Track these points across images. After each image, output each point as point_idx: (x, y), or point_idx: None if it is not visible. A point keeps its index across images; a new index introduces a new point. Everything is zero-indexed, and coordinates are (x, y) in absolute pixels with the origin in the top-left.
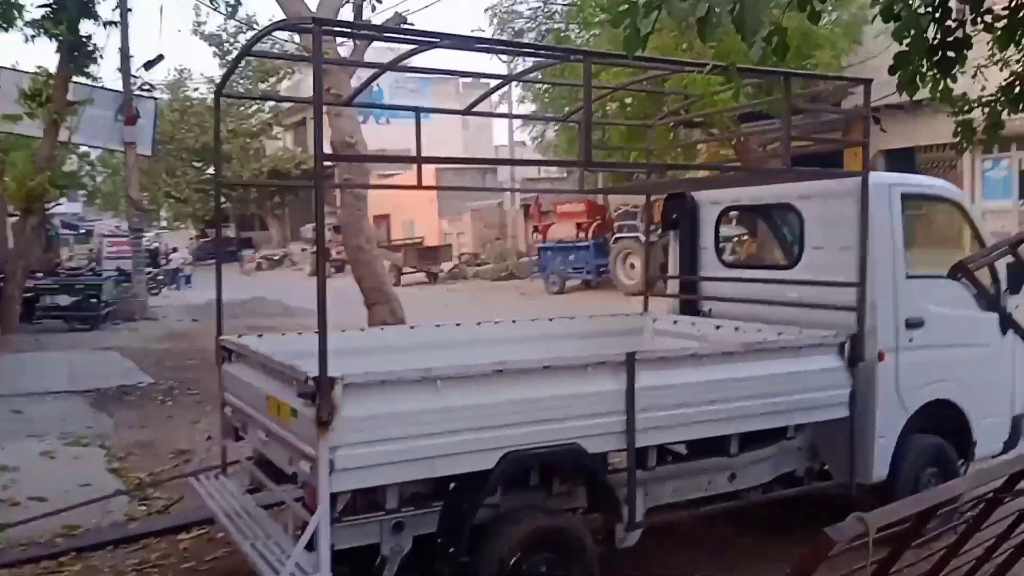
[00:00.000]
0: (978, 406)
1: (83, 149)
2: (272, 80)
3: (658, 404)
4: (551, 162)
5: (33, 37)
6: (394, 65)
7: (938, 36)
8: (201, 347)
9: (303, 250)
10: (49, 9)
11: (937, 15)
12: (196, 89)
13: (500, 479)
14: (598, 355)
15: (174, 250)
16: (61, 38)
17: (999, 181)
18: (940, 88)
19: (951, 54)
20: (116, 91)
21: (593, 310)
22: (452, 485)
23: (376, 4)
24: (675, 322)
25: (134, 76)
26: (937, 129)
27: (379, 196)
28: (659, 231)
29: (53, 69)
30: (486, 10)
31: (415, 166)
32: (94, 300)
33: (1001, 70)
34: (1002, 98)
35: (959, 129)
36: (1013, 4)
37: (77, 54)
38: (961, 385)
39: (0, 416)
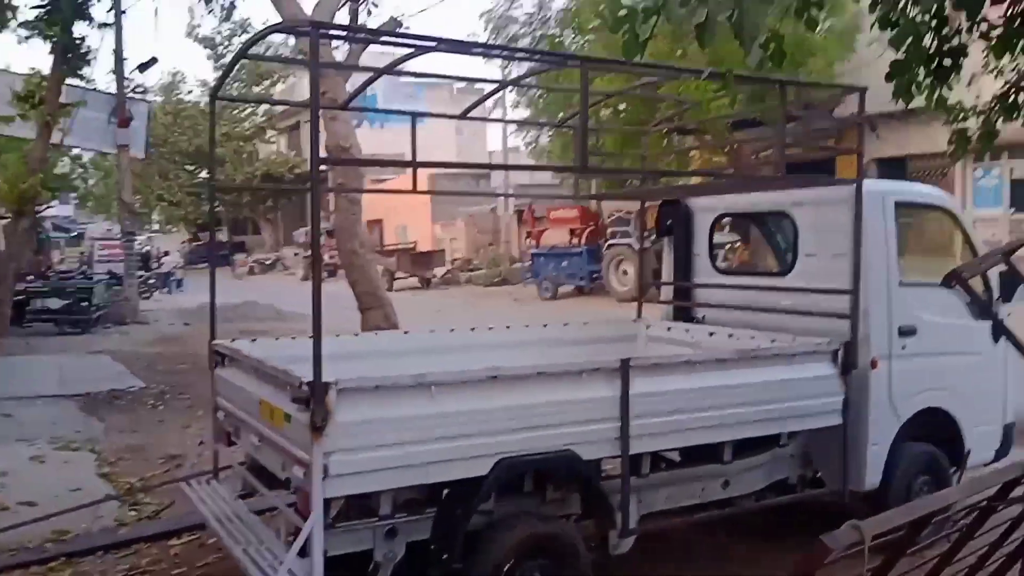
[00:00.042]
0: (970, 414)
1: (75, 151)
2: (266, 83)
3: (652, 411)
4: (547, 167)
5: (27, 38)
6: (391, 69)
7: (935, 44)
8: (193, 351)
9: (296, 254)
10: (43, 10)
11: (934, 24)
12: (190, 92)
13: (494, 485)
14: (593, 361)
15: (166, 254)
16: (55, 40)
17: (990, 189)
18: (936, 96)
19: (947, 62)
20: (110, 93)
21: (586, 316)
22: (446, 491)
23: (372, 8)
24: (669, 328)
25: (127, 78)
26: (930, 137)
27: (372, 201)
28: (653, 237)
29: (46, 71)
30: (481, 15)
31: (409, 171)
32: (85, 303)
33: (995, 79)
34: (997, 107)
35: (954, 137)
36: (1009, 13)
37: (71, 56)
38: (953, 393)
39: None
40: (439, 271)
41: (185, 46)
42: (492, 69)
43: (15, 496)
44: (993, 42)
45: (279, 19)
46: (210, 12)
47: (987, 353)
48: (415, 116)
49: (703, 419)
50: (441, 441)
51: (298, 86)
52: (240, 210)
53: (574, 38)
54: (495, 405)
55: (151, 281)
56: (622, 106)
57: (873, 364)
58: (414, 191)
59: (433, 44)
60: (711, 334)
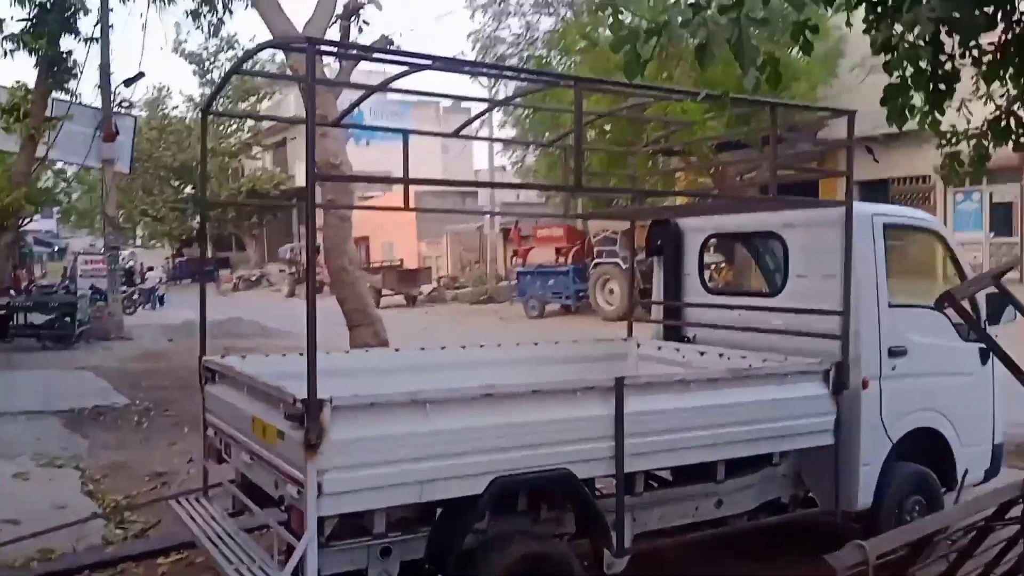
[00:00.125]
0: (960, 434)
1: (59, 165)
2: (252, 99)
3: (647, 429)
4: (540, 186)
5: (12, 51)
6: (384, 86)
7: (929, 69)
8: (177, 367)
9: (281, 271)
10: (29, 24)
11: (931, 49)
12: (175, 108)
13: (489, 504)
14: (587, 380)
15: (150, 269)
16: (40, 53)
17: (971, 214)
18: (929, 121)
19: (942, 87)
20: (95, 108)
21: (573, 335)
22: (440, 510)
23: (363, 26)
24: (659, 348)
25: (114, 93)
26: (912, 161)
27: (358, 218)
28: (641, 257)
29: (32, 84)
30: (469, 35)
31: (395, 188)
32: (68, 319)
33: (985, 104)
34: (988, 132)
35: (947, 161)
36: (1002, 41)
37: (56, 70)
38: (943, 414)
39: None
40: (425, 289)
41: (170, 61)
42: (478, 89)
43: None
44: (984, 68)
45: (268, 36)
46: (197, 28)
47: (976, 374)
48: (407, 134)
49: (697, 438)
50: (436, 459)
51: (283, 103)
52: (225, 226)
53: (560, 59)
54: (490, 423)
55: (135, 296)
56: (608, 127)
57: (864, 384)
58: (406, 208)
59: (428, 62)
60: (702, 353)
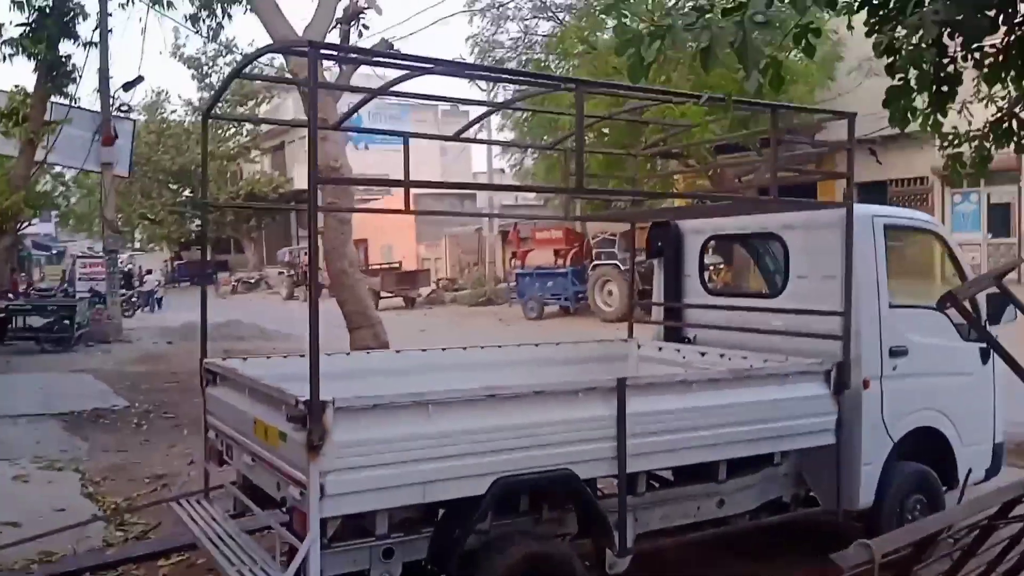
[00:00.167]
0: (961, 433)
1: (57, 169)
2: (251, 103)
3: (649, 430)
4: (541, 188)
5: (11, 56)
6: (386, 89)
7: (932, 71)
8: (177, 370)
9: (280, 273)
10: (28, 28)
11: (935, 51)
12: (174, 112)
13: (491, 504)
14: (589, 380)
15: (148, 272)
16: (40, 58)
17: (968, 215)
18: (931, 123)
19: (944, 89)
20: (94, 112)
21: (572, 336)
22: (442, 511)
23: (363, 30)
24: (660, 349)
25: (113, 97)
26: (909, 163)
27: (357, 220)
28: (641, 258)
29: (31, 88)
30: (467, 39)
31: (394, 191)
32: (67, 322)
33: (986, 106)
34: (990, 133)
35: (949, 163)
36: (1005, 43)
37: (56, 74)
38: (944, 413)
39: None
40: (424, 291)
41: (169, 65)
42: (476, 93)
43: None
44: (986, 70)
45: (267, 40)
46: (196, 32)
47: (977, 373)
48: (407, 137)
49: (699, 438)
50: (438, 460)
51: (282, 106)
52: (223, 229)
53: (559, 63)
54: (492, 424)
55: (134, 299)
56: (606, 129)
57: (865, 384)
58: (407, 211)
59: (430, 66)
60: (703, 354)
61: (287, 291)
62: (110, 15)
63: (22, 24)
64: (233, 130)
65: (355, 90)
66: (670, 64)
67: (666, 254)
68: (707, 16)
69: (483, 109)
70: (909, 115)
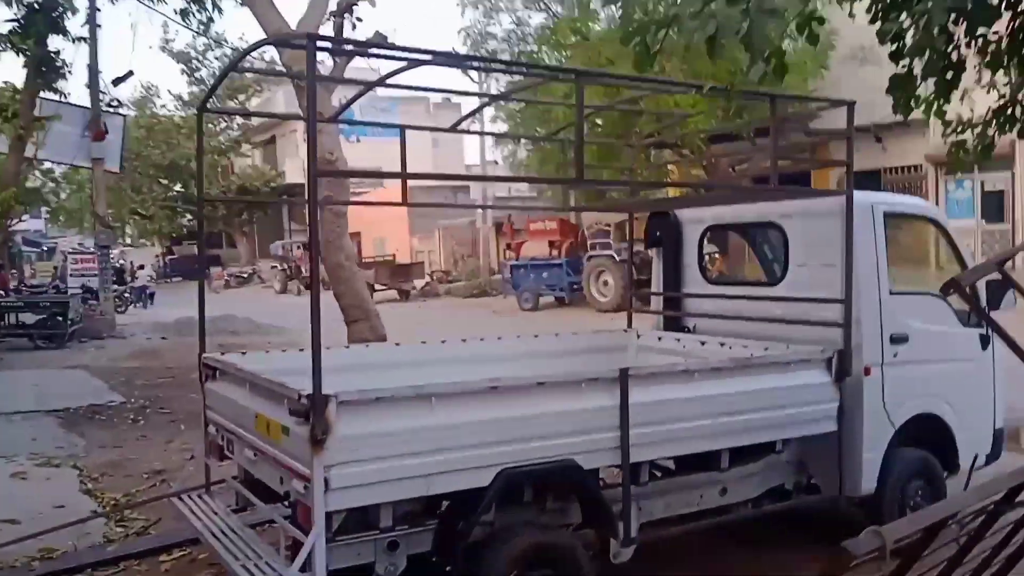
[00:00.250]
0: (961, 419)
1: (47, 165)
2: (242, 97)
3: (651, 419)
4: (541, 179)
5: (0, 52)
6: (382, 82)
7: (939, 59)
8: (171, 365)
9: (272, 267)
10: (17, 24)
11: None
12: (163, 106)
13: (495, 496)
14: (592, 371)
15: (141, 267)
16: (29, 53)
17: (962, 201)
18: (935, 110)
19: (949, 76)
20: (84, 107)
21: (568, 327)
22: (446, 503)
23: (357, 22)
24: (659, 338)
25: (102, 92)
26: (903, 151)
27: (350, 213)
28: (641, 249)
29: (20, 84)
30: (460, 31)
31: (387, 183)
32: (60, 318)
33: (988, 93)
34: (994, 120)
35: (952, 150)
36: (1010, 29)
37: (45, 69)
38: (945, 399)
39: None
40: (418, 283)
41: (159, 60)
42: (467, 84)
43: None
44: (988, 58)
45: (260, 33)
46: (187, 27)
47: (977, 359)
48: (404, 129)
49: (701, 427)
50: (442, 453)
51: (272, 100)
52: (215, 223)
53: (552, 54)
54: (495, 416)
55: (126, 295)
56: (599, 120)
57: (866, 371)
58: (404, 203)
59: (427, 58)
60: (703, 343)
61: (280, 285)
62: (99, 10)
63: (11, 20)
64: (224, 124)
65: (353, 83)
66: (663, 54)
67: (665, 244)
68: (712, 5)
69: (476, 101)
70: (912, 102)
